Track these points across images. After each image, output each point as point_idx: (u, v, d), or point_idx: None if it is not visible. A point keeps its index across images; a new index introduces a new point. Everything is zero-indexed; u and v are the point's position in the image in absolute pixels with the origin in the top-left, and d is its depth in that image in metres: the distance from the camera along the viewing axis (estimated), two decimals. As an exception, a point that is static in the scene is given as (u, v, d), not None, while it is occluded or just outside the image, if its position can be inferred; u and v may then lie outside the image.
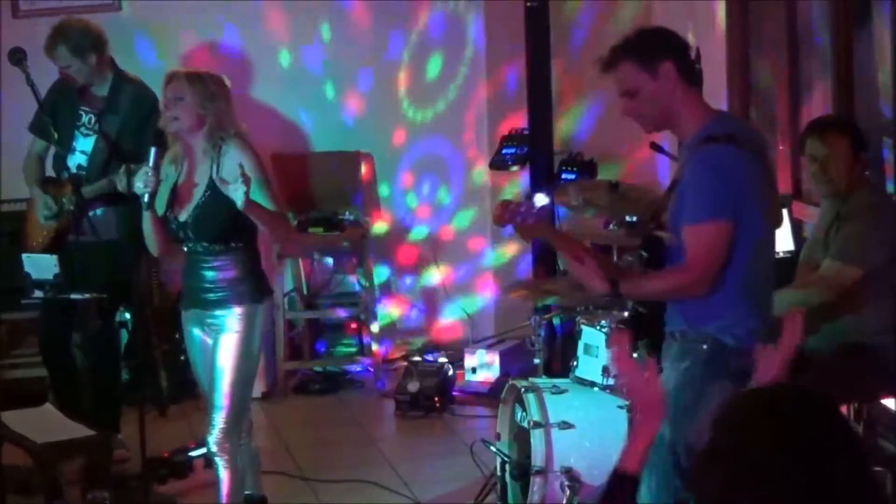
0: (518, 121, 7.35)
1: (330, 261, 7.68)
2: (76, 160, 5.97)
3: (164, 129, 4.81)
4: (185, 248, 4.84)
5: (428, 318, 7.81)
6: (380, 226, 7.72)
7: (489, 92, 7.69)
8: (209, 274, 4.77)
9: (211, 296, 4.77)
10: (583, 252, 3.89)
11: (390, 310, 7.76)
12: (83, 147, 5.99)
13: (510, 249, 7.71)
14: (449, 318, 7.79)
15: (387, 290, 7.75)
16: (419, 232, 7.77)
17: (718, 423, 2.12)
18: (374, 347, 7.46)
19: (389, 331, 7.73)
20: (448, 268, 7.79)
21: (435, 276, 7.78)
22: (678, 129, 4.02)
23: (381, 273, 7.70)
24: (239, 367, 4.74)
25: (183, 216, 4.77)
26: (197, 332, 4.86)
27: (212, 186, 4.70)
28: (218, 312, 4.76)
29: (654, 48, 3.93)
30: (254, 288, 4.79)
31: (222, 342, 4.74)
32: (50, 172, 6.15)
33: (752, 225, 3.85)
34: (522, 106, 7.24)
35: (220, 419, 4.75)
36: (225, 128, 4.75)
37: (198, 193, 4.75)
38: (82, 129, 6.01)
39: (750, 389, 2.40)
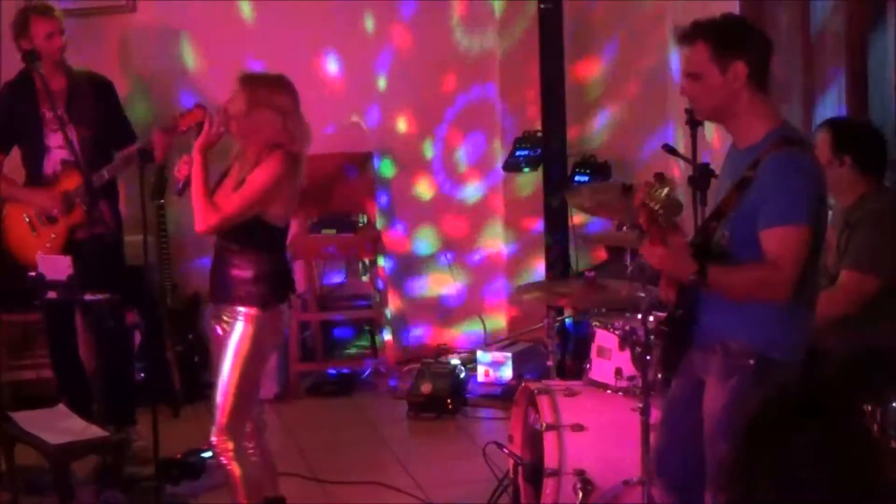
0: (532, 123, 7.34)
1: (343, 262, 7.67)
2: (58, 156, 5.95)
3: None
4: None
5: (441, 320, 7.79)
6: (393, 227, 7.71)
7: (503, 93, 7.67)
8: (226, 270, 4.81)
9: (223, 292, 4.82)
10: (672, 235, 3.75)
11: (403, 311, 7.75)
12: (57, 143, 5.93)
13: (524, 251, 7.70)
14: (462, 320, 7.78)
15: (399, 291, 7.74)
16: (432, 233, 7.76)
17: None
18: (387, 349, 7.46)
19: (402, 332, 7.72)
20: (461, 269, 7.77)
21: (448, 277, 7.77)
22: (735, 129, 3.92)
23: (393, 274, 7.69)
24: (239, 366, 4.75)
25: None
26: (215, 325, 4.90)
27: None
28: (230, 309, 4.80)
29: (734, 43, 3.83)
30: (266, 292, 4.79)
31: (230, 340, 4.76)
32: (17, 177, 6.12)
33: (819, 233, 3.80)
34: (536, 108, 7.23)
35: (217, 417, 4.77)
36: (268, 138, 4.77)
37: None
38: (50, 126, 5.96)
39: None
